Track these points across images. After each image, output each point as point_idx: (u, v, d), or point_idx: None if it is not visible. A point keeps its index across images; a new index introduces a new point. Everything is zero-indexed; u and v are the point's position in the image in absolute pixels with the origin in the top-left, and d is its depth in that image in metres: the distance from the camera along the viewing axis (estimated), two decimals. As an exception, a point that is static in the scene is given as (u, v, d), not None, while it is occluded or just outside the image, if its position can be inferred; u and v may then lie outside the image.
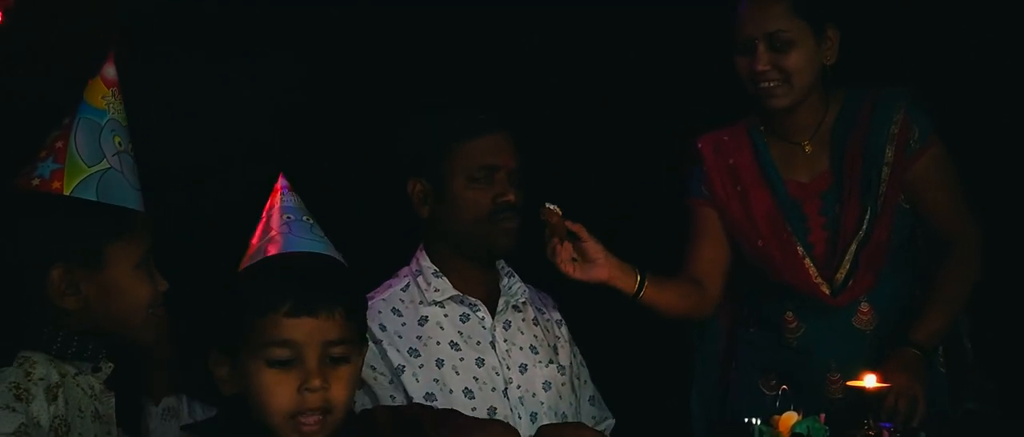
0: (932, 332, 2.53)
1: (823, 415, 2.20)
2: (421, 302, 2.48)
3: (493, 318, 2.51)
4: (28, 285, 1.82)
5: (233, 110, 3.24)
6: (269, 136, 3.19)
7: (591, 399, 2.62)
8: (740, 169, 2.65)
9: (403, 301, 2.49)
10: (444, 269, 2.51)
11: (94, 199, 1.83)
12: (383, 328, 2.43)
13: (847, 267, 2.56)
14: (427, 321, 2.46)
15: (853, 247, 2.55)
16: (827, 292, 2.56)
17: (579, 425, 2.36)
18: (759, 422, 2.25)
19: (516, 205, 2.46)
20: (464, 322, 2.49)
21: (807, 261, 2.58)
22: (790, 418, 2.21)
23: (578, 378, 2.60)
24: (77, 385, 1.84)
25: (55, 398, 1.79)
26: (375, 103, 3.24)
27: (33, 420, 1.75)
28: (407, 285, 2.51)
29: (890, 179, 2.55)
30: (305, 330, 1.78)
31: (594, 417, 2.59)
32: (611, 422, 2.61)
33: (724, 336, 2.80)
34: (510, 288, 2.55)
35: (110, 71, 1.89)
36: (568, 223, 2.37)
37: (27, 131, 3.07)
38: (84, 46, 3.21)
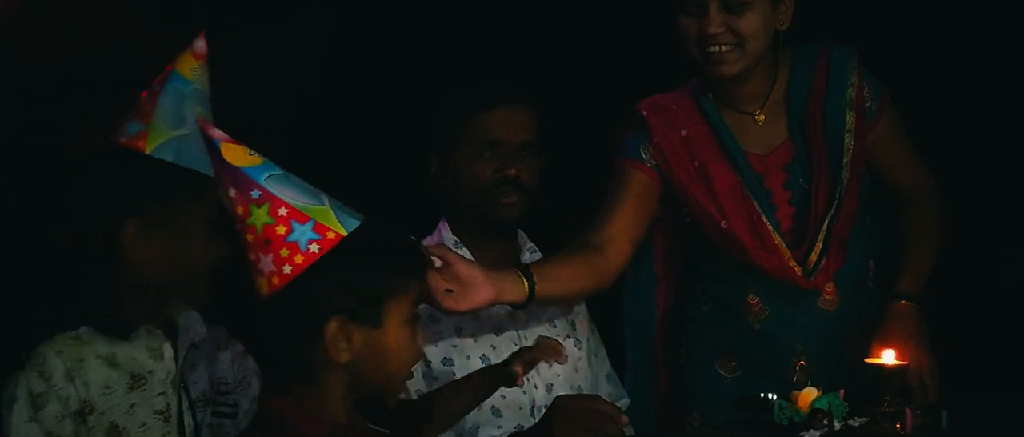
0: (919, 277, 2.46)
1: (843, 390, 2.20)
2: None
3: (512, 290, 2.52)
4: (98, 243, 1.89)
5: (247, 83, 3.23)
6: (284, 109, 3.18)
7: (608, 377, 2.62)
8: (694, 141, 2.44)
9: (424, 269, 2.50)
10: (464, 241, 2.52)
11: (171, 160, 1.92)
12: (403, 294, 2.43)
13: (821, 246, 2.38)
14: (447, 290, 2.47)
15: (825, 224, 2.39)
16: (800, 274, 2.39)
17: (595, 397, 2.34)
18: (776, 397, 2.24)
19: (518, 180, 2.45)
20: (484, 292, 2.50)
21: (778, 240, 2.40)
22: (809, 394, 2.20)
23: (595, 355, 2.60)
24: (105, 362, 1.91)
25: (73, 385, 1.88)
26: (396, 75, 3.24)
27: (56, 417, 1.85)
28: (428, 254, 2.52)
29: (854, 147, 2.41)
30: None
31: (610, 394, 2.59)
32: (627, 401, 2.61)
33: (658, 319, 2.64)
34: (531, 262, 2.53)
35: (199, 45, 1.97)
36: (431, 248, 2.13)
37: (52, 95, 3.08)
38: (105, 13, 3.21)
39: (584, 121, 3.04)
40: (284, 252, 1.69)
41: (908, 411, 2.15)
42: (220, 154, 1.74)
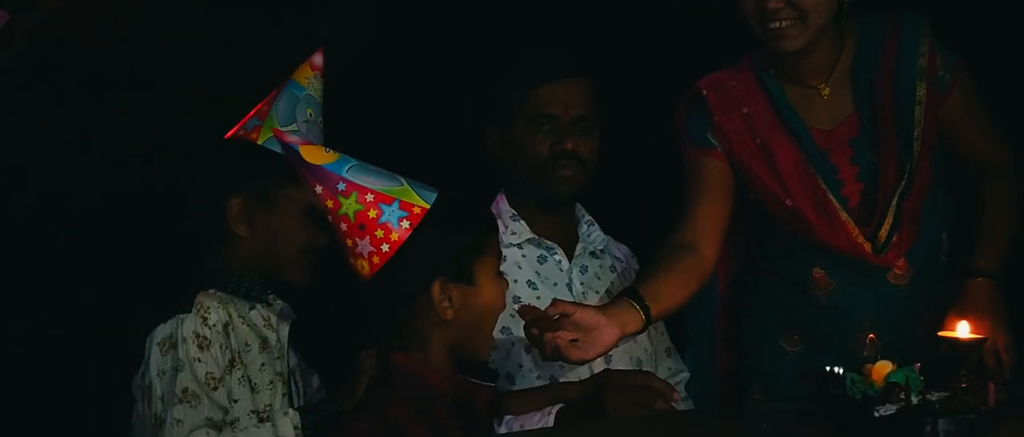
0: (996, 253, 2.36)
1: (918, 364, 2.11)
2: (500, 243, 2.44)
3: (570, 262, 2.49)
4: (209, 216, 2.15)
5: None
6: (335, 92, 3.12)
7: (668, 350, 2.58)
8: (755, 118, 2.38)
9: (482, 240, 2.45)
10: (521, 213, 2.51)
11: (279, 151, 2.06)
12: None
13: (890, 222, 2.33)
14: (505, 261, 2.43)
15: (895, 200, 2.33)
16: (870, 250, 2.33)
17: (647, 373, 2.33)
18: (842, 371, 2.15)
19: (576, 153, 2.43)
20: (541, 263, 2.49)
21: (845, 217, 2.33)
22: (883, 368, 2.10)
23: (655, 328, 2.54)
24: (244, 322, 2.11)
25: (228, 335, 2.08)
26: (452, 50, 3.18)
27: (215, 359, 2.04)
28: (486, 226, 2.48)
29: (925, 119, 2.33)
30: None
31: (670, 369, 2.55)
32: (686, 375, 2.57)
33: (720, 295, 2.59)
34: (588, 235, 2.54)
35: (317, 59, 2.24)
36: (548, 310, 2.15)
37: (52, 95, 3.05)
38: (104, 13, 3.18)
39: (642, 95, 2.97)
40: (379, 233, 1.86)
41: (991, 385, 2.05)
42: (300, 156, 1.90)
